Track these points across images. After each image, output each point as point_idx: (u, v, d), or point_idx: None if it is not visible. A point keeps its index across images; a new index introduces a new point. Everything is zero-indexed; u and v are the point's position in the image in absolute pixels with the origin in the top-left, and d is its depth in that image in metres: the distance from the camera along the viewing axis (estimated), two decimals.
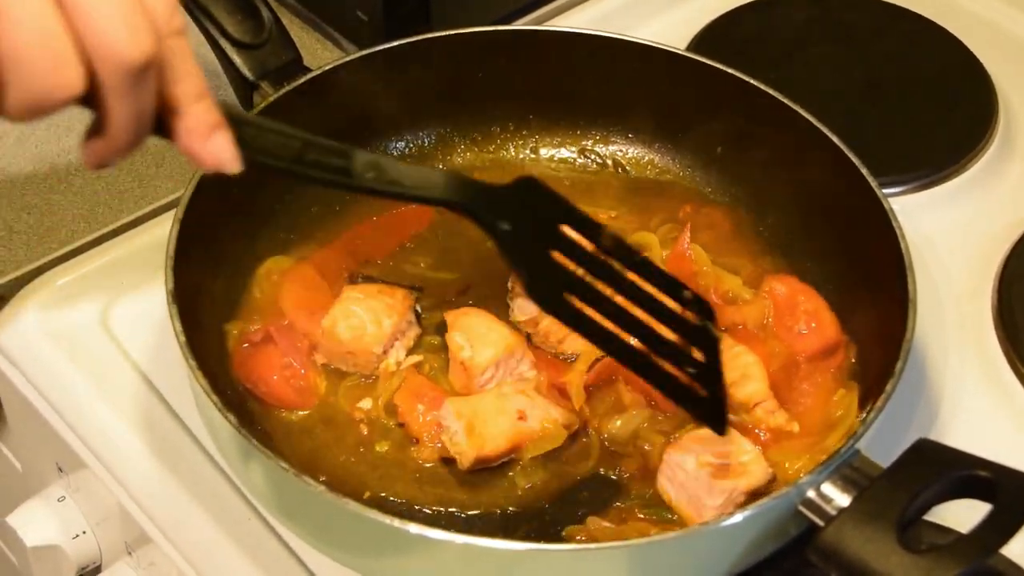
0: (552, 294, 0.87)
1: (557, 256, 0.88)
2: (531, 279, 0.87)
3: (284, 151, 0.80)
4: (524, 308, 1.08)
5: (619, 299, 0.89)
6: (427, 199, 0.86)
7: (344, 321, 1.04)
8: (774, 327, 1.07)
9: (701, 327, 0.92)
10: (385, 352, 1.05)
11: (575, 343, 1.05)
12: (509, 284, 1.10)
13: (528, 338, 1.06)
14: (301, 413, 1.03)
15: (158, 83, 0.71)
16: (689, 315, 0.91)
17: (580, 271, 0.88)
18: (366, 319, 1.04)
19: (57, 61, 0.67)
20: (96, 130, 0.72)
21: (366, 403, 1.04)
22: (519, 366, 1.03)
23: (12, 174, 1.23)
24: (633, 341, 0.89)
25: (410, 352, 1.06)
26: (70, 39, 0.67)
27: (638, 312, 0.89)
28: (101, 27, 0.67)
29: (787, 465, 0.97)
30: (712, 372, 0.92)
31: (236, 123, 0.76)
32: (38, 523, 1.08)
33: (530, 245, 0.87)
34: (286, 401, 1.03)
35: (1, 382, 1.12)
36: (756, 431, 1.00)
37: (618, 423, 1.01)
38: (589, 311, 0.87)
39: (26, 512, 1.09)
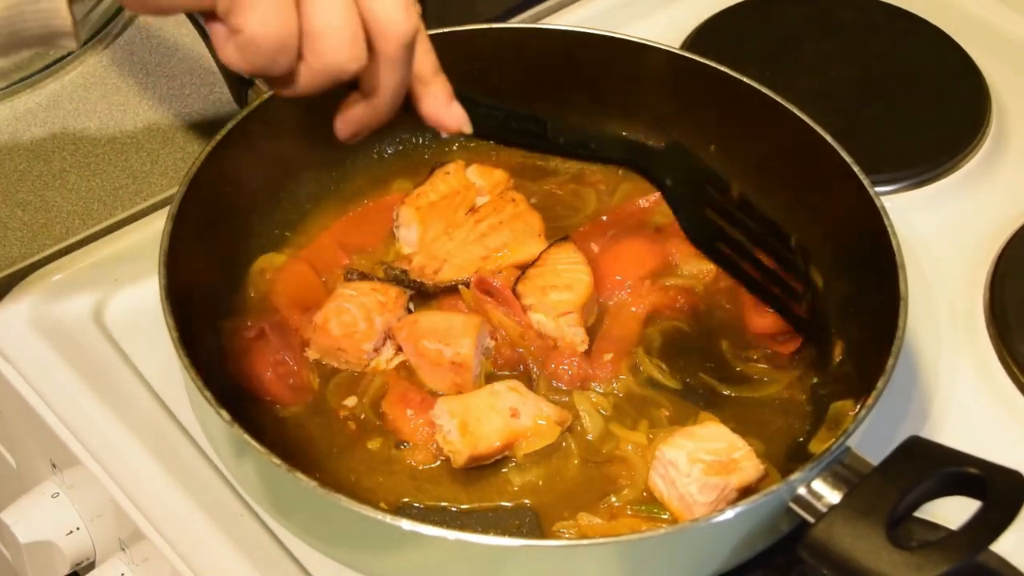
0: (707, 240, 1.06)
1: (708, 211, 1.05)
2: (690, 226, 1.05)
3: (492, 121, 0.96)
4: (408, 240, 1.12)
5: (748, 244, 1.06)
6: (608, 159, 1.05)
7: (336, 318, 1.04)
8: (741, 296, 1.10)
9: (804, 271, 1.06)
10: (376, 350, 1.05)
11: (448, 273, 1.09)
12: (394, 214, 1.13)
13: (405, 274, 1.09)
14: (294, 409, 1.04)
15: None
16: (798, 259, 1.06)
17: (724, 223, 1.05)
18: (358, 316, 1.04)
19: (351, 39, 0.80)
20: (354, 102, 0.85)
21: (351, 400, 1.03)
22: (485, 339, 1.04)
23: (7, 170, 1.23)
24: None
25: (400, 350, 1.06)
26: (359, 19, 0.80)
27: (762, 257, 1.07)
28: (384, 8, 0.81)
29: None
30: (812, 304, 1.07)
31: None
32: (32, 519, 1.08)
33: (687, 199, 1.04)
34: (279, 397, 1.03)
35: None
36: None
37: (587, 421, 1.01)
38: (733, 255, 1.06)
39: (20, 508, 1.09)
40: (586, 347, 1.05)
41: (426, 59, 0.87)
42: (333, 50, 0.80)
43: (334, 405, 1.03)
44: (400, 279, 1.09)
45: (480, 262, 1.10)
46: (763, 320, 1.09)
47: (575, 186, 1.20)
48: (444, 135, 0.91)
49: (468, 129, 0.90)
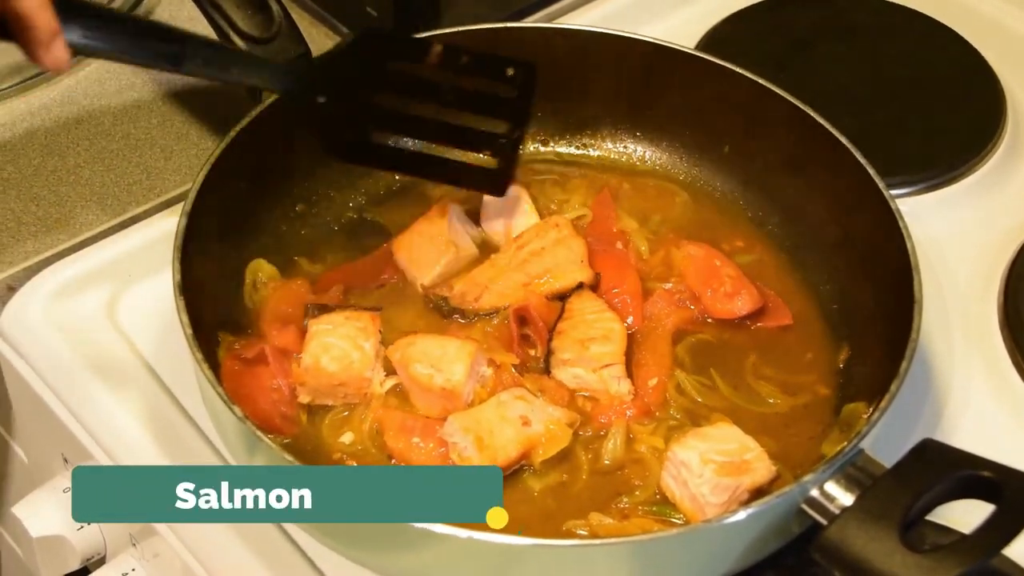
0: (345, 148, 1.01)
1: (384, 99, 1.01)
2: (324, 140, 1.00)
3: (120, 39, 0.90)
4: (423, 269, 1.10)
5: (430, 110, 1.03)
6: (254, 85, 1.00)
7: (326, 354, 1.00)
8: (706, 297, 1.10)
9: (515, 98, 1.05)
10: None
11: (489, 300, 1.07)
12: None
13: (446, 301, 1.07)
14: (285, 441, 1.00)
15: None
16: (508, 90, 1.05)
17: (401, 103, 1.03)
18: (347, 347, 1.01)
19: None
20: None
21: (347, 436, 1.01)
22: (480, 367, 1.02)
23: (21, 165, 1.24)
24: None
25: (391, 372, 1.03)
26: None
27: (444, 117, 1.04)
28: None
29: None
30: (512, 140, 1.06)
31: (78, 12, 0.86)
32: (43, 514, 1.08)
33: (342, 108, 0.99)
34: (270, 425, 0.99)
35: (8, 373, 1.13)
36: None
37: (610, 444, 1.00)
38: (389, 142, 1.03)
39: (32, 503, 1.09)
40: (632, 396, 1.03)
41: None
42: None
43: (331, 444, 1.00)
44: (440, 306, 1.08)
45: (521, 289, 1.08)
46: (726, 306, 1.09)
47: None
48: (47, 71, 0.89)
49: (62, 69, 0.87)
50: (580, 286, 1.08)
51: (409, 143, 1.04)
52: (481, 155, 1.06)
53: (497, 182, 1.07)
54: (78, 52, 0.87)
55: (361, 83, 1.00)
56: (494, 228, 1.15)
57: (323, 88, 0.97)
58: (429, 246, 1.10)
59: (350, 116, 0.99)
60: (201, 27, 1.27)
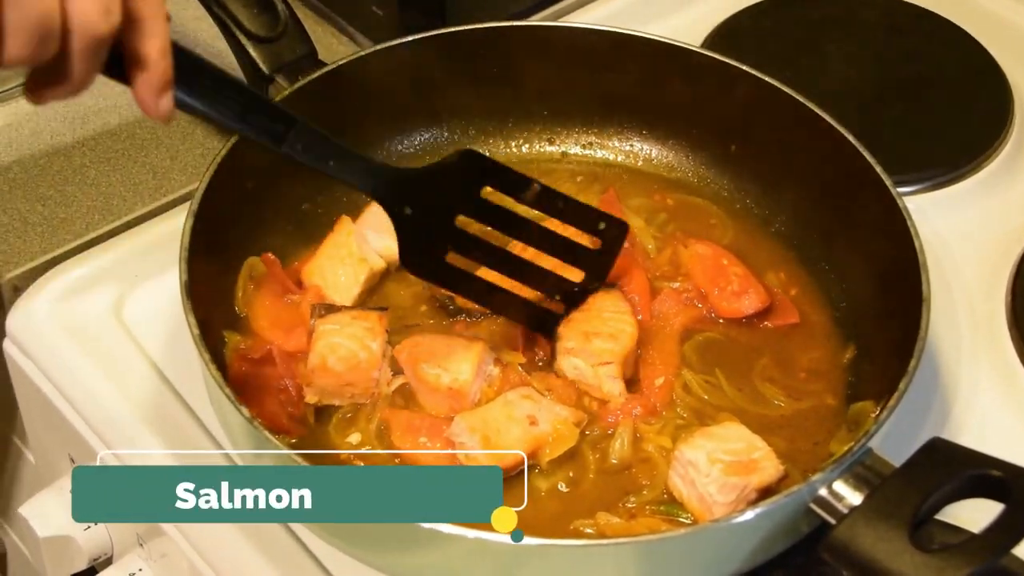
0: (422, 263, 1.00)
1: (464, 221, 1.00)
2: (405, 253, 0.98)
3: (229, 106, 0.89)
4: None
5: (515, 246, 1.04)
6: (344, 180, 0.96)
7: (333, 354, 1.00)
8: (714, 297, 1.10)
9: (598, 251, 1.05)
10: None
11: None
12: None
13: (451, 300, 1.07)
14: (292, 441, 1.00)
15: (126, 37, 0.81)
16: (592, 241, 1.04)
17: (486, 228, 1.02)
18: (354, 347, 1.00)
19: (46, 37, 0.76)
20: (48, 75, 0.79)
21: (355, 437, 1.01)
22: (487, 366, 1.02)
23: (27, 166, 1.24)
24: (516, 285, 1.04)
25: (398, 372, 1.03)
26: (60, 17, 0.76)
27: (523, 253, 1.04)
28: (82, 8, 0.77)
29: None
30: (584, 291, 1.05)
31: (196, 70, 0.86)
32: (50, 514, 1.08)
33: (423, 226, 0.98)
34: (277, 425, 0.99)
35: (15, 373, 1.13)
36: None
37: (617, 444, 1.00)
38: (466, 267, 1.01)
39: (39, 503, 1.09)
40: (624, 399, 1.02)
41: (151, 41, 0.81)
42: (22, 47, 0.76)
43: (338, 444, 1.00)
44: (446, 305, 1.08)
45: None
46: (734, 304, 1.09)
47: None
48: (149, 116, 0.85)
49: (166, 120, 0.85)
50: (613, 285, 1.07)
51: (482, 271, 1.03)
52: (551, 300, 1.05)
53: (552, 328, 1.05)
54: (180, 106, 0.86)
55: (450, 203, 0.99)
56: (385, 244, 1.11)
57: (412, 199, 0.96)
58: (342, 267, 1.09)
59: (432, 233, 0.99)
60: (206, 25, 1.28)
